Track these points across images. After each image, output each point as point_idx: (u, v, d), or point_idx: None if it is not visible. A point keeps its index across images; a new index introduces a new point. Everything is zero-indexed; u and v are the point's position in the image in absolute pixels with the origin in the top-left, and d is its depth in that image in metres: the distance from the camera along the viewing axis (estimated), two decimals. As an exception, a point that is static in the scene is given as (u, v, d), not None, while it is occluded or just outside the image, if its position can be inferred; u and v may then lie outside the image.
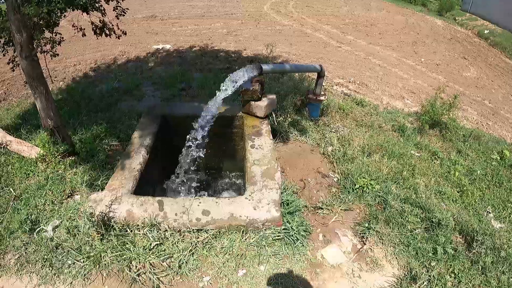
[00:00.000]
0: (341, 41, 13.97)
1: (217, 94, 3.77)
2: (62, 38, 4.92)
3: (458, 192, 4.81)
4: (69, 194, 3.80)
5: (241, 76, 3.66)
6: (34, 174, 4.18)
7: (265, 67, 3.86)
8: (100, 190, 3.67)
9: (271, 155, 3.62)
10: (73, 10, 4.62)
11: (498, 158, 5.96)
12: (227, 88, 3.67)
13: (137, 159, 3.48)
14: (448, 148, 6.29)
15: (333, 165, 4.69)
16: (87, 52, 10.82)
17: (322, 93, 5.36)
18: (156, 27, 14.37)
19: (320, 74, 5.04)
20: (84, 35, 4.80)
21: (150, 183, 3.93)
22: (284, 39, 13.04)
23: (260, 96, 4.20)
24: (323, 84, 5.44)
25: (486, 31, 23.04)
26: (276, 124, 4.79)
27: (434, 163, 5.46)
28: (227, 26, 14.83)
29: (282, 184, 3.35)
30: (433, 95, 7.61)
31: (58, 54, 4.96)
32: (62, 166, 4.22)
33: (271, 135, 4.00)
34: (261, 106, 4.18)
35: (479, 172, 5.42)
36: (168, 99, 6.99)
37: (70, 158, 4.40)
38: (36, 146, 4.41)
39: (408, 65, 12.49)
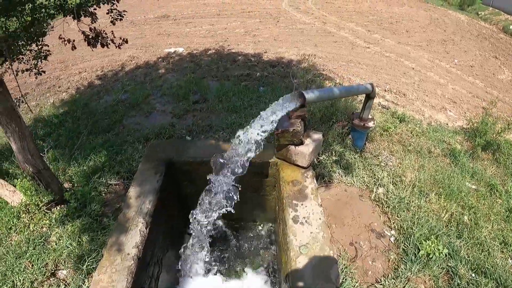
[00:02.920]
0: (368, 40, 12.85)
1: (240, 143, 2.66)
2: (49, 51, 4.00)
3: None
4: (53, 271, 2.90)
5: (277, 110, 2.58)
6: (16, 229, 3.33)
7: (309, 95, 2.77)
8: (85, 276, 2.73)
9: (324, 236, 2.53)
10: (64, 16, 3.73)
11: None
12: (257, 134, 2.56)
13: (133, 238, 2.48)
14: (503, 175, 5.53)
15: (387, 216, 3.72)
16: (94, 57, 9.95)
17: (370, 117, 4.31)
18: (169, 28, 13.41)
19: (371, 95, 3.98)
20: (74, 48, 3.86)
21: (153, 264, 2.95)
22: (307, 39, 11.93)
23: (302, 138, 3.12)
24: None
25: (511, 26, 22.13)
26: (316, 163, 3.76)
27: (494, 200, 4.72)
28: (244, 25, 13.76)
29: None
30: (483, 111, 7.21)
31: (44, 72, 4.02)
32: (47, 221, 3.33)
33: (319, 198, 2.93)
34: (304, 153, 3.05)
35: (538, 208, 4.79)
36: (180, 115, 6.04)
37: (58, 207, 3.49)
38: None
39: (443, 67, 11.46)
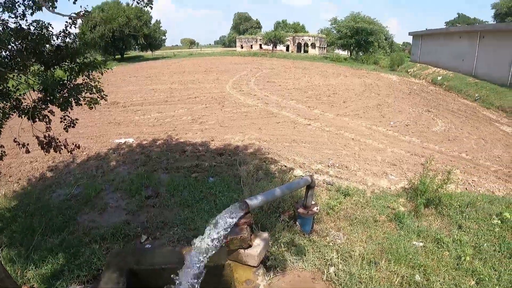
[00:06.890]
0: (309, 117, 13.76)
1: (190, 260, 2.93)
2: (4, 152, 4.22)
3: (475, 282, 4.35)
4: None
5: (223, 224, 2.91)
6: None
7: (252, 202, 3.14)
8: None
9: None
10: (19, 116, 4.07)
11: (499, 222, 5.77)
12: (208, 249, 2.84)
13: None
14: (448, 225, 5.85)
15: (342, 295, 3.98)
16: (45, 146, 9.82)
17: (313, 202, 4.77)
18: (118, 115, 13.80)
19: (311, 185, 4.47)
20: (28, 151, 4.16)
21: None
22: (251, 123, 12.67)
23: (250, 242, 3.44)
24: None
25: (439, 78, 24.46)
26: (268, 255, 4.05)
27: (441, 252, 4.98)
28: (191, 111, 14.49)
29: None
30: (422, 167, 7.42)
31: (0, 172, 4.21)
32: None
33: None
34: (253, 255, 3.35)
35: (485, 245, 5.09)
36: (134, 212, 6.18)
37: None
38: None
39: (380, 132, 12.18)
